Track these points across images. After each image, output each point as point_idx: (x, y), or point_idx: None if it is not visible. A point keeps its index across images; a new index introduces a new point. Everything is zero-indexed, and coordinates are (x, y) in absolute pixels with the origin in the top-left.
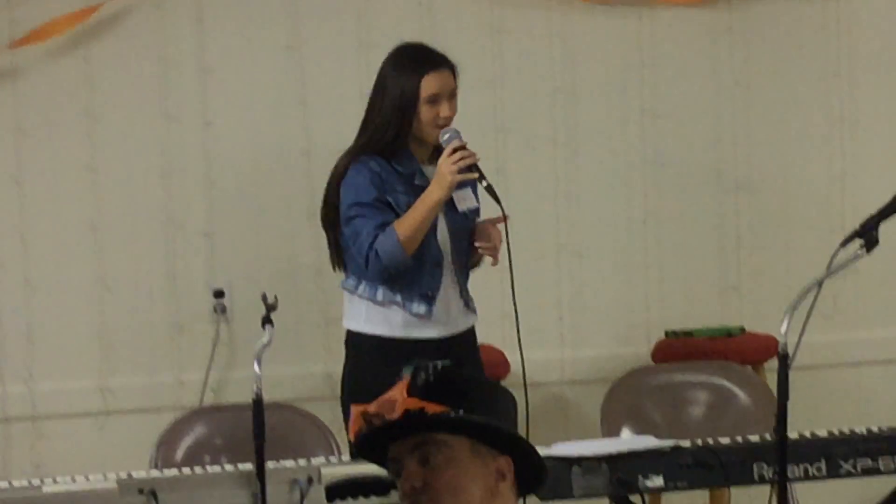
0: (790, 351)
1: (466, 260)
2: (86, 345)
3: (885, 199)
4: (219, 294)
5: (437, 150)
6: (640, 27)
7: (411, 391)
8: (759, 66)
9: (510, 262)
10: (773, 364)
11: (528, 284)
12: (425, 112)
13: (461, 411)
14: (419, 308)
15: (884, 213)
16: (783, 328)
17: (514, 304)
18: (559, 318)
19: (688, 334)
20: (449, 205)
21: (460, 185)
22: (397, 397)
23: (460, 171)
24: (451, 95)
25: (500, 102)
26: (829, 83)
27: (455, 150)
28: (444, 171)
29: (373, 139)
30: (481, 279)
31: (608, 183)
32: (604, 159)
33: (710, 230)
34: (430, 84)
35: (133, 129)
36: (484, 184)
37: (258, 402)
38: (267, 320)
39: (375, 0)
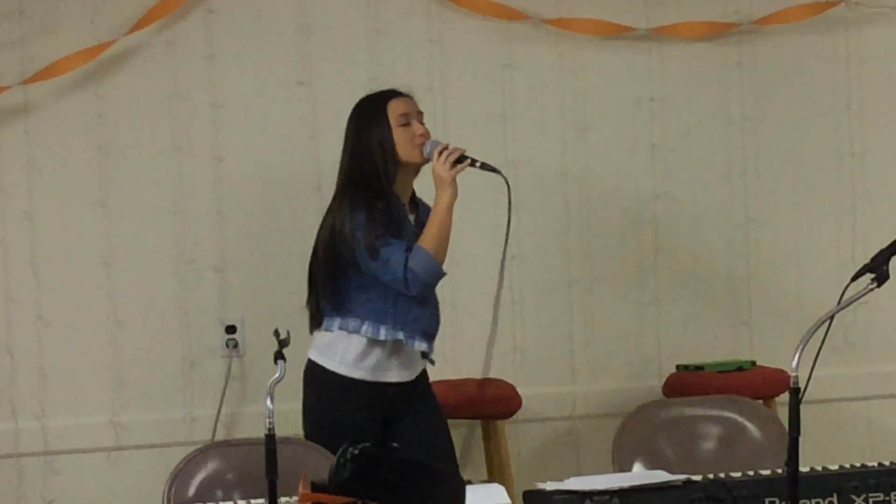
0: (801, 385)
1: None
2: (98, 380)
3: (894, 234)
4: (230, 329)
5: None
6: (649, 61)
7: (315, 486)
8: (768, 99)
9: (504, 255)
10: (784, 398)
11: (539, 319)
12: (400, 135)
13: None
14: (421, 345)
15: (894, 248)
16: (794, 362)
17: (498, 299)
18: (570, 352)
19: (699, 368)
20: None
21: None
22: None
23: (453, 166)
24: (420, 116)
25: (511, 137)
26: (839, 116)
27: (440, 153)
28: (441, 173)
29: (361, 184)
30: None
31: (618, 217)
32: (614, 193)
33: (721, 264)
34: (395, 107)
35: (145, 165)
36: (478, 164)
37: (271, 438)
38: (279, 356)
39: (386, 36)
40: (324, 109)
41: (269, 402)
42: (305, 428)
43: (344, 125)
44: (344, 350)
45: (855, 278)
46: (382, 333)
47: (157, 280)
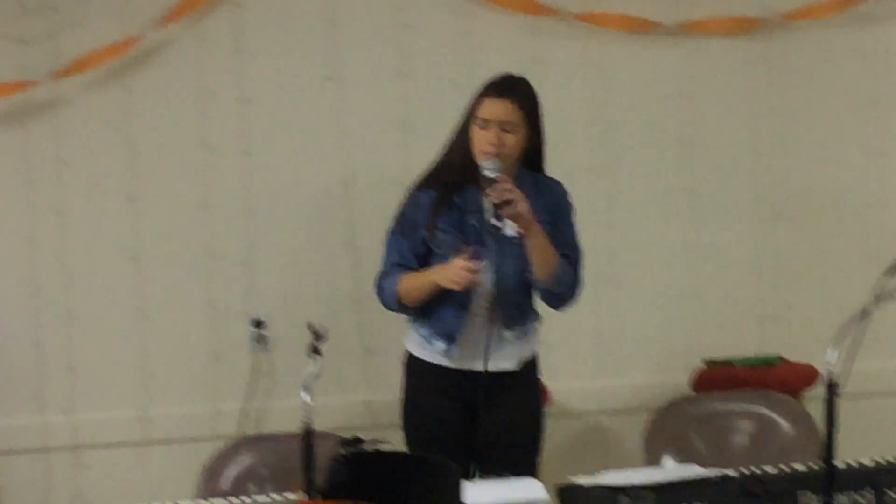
0: (837, 380)
1: (519, 307)
2: (126, 375)
3: None
4: (258, 324)
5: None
6: (676, 57)
7: (310, 491)
8: (795, 95)
9: None
10: (812, 393)
11: (567, 314)
12: (475, 133)
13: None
14: (440, 345)
15: None
16: (832, 357)
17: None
18: (597, 347)
19: (727, 363)
20: (496, 253)
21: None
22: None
23: (500, 205)
24: (505, 127)
25: None
26: (866, 112)
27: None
28: (450, 277)
29: (436, 168)
30: None
31: (646, 212)
32: (641, 189)
33: (748, 259)
34: (484, 108)
35: (173, 160)
36: (495, 222)
37: (308, 432)
38: (315, 350)
39: (414, 30)
40: (351, 104)
41: (306, 396)
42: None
43: (371, 120)
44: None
45: (889, 273)
46: (415, 327)
47: (184, 275)
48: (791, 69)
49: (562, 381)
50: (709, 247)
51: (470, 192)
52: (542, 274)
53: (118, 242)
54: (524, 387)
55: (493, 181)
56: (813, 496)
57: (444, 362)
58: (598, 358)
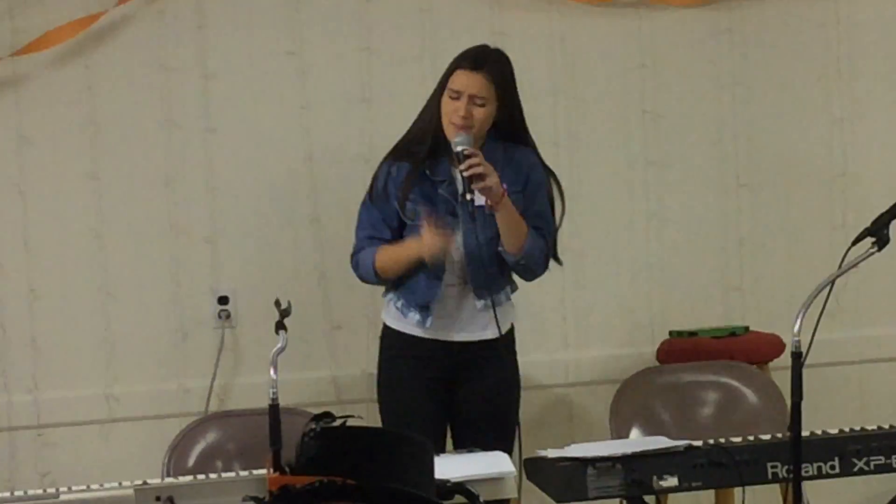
0: (803, 349)
1: (491, 278)
2: (90, 353)
3: (883, 198)
4: (223, 300)
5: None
6: (640, 28)
7: (277, 466)
8: (759, 65)
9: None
10: (777, 363)
11: (532, 286)
12: (445, 104)
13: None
14: (415, 316)
15: (894, 212)
16: (796, 327)
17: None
18: (563, 319)
19: (692, 334)
20: (468, 224)
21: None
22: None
23: (471, 179)
24: (475, 100)
25: None
26: (829, 82)
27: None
28: (427, 245)
29: (408, 139)
30: None
31: (610, 184)
32: (605, 160)
33: (713, 230)
34: (458, 79)
35: (135, 137)
36: (467, 197)
37: (275, 408)
38: (280, 325)
39: (376, 4)
40: (314, 79)
41: (273, 372)
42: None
43: (334, 95)
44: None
45: (856, 242)
46: (387, 294)
47: (148, 252)
48: (755, 40)
49: (527, 355)
50: (674, 218)
51: (441, 164)
52: (512, 247)
53: (81, 220)
54: (502, 358)
55: (463, 156)
56: (780, 466)
57: (420, 333)
58: (564, 330)
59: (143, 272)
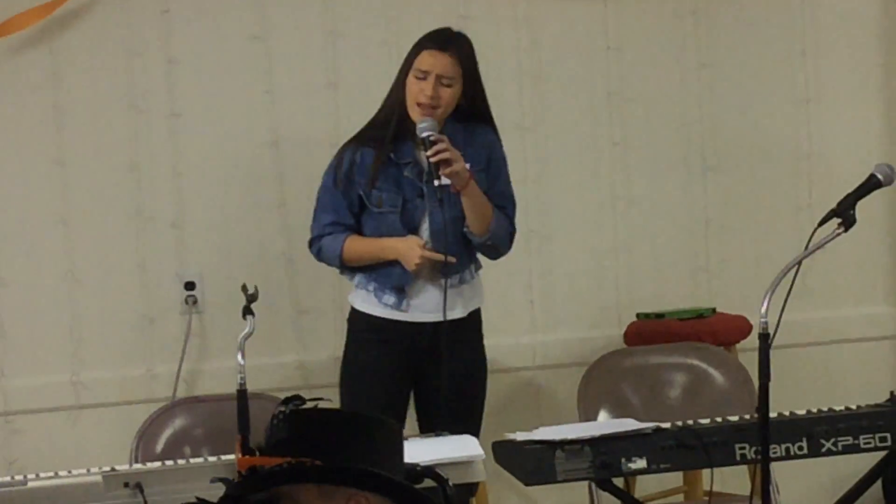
0: (770, 331)
1: (459, 255)
2: (57, 339)
3: (849, 179)
4: (189, 286)
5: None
6: (605, 11)
7: (245, 448)
8: (724, 47)
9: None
10: (744, 344)
11: (498, 269)
12: (411, 84)
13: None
14: (389, 299)
15: (860, 192)
16: (763, 308)
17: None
18: (530, 302)
19: (659, 316)
20: (434, 204)
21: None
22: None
23: (437, 165)
24: (442, 80)
25: None
26: (794, 63)
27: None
28: (410, 260)
29: (373, 124)
30: None
31: (576, 167)
32: (571, 143)
33: (679, 212)
34: (425, 59)
35: (100, 122)
36: (436, 183)
37: (242, 393)
38: (248, 311)
39: None
40: (279, 64)
41: (240, 357)
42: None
43: (300, 79)
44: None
45: (822, 223)
46: (356, 280)
47: (114, 237)
48: (720, 22)
49: (494, 338)
50: (640, 200)
51: (405, 146)
52: (478, 229)
53: (47, 206)
54: (470, 340)
55: (430, 142)
56: (748, 447)
57: (395, 315)
58: (531, 313)
59: (110, 258)
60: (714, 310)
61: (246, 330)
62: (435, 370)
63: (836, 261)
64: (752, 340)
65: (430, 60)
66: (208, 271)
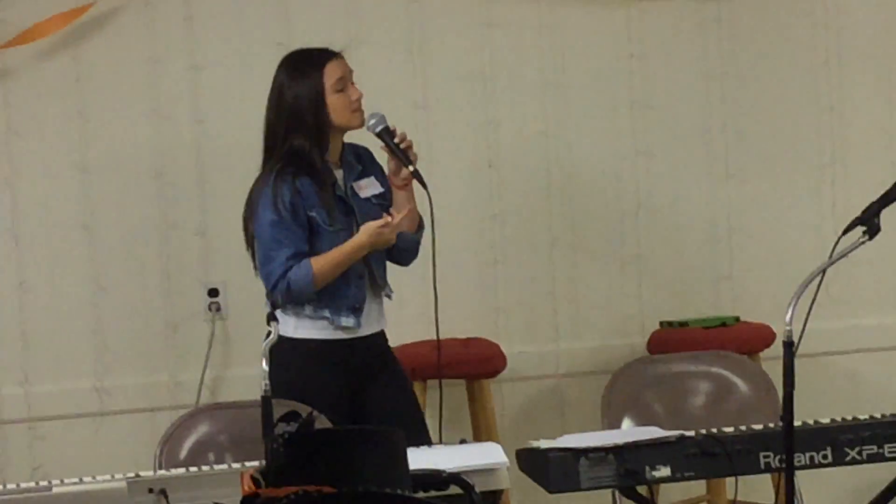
0: (794, 339)
1: (384, 266)
2: (81, 346)
3: (873, 187)
4: (213, 292)
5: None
6: (628, 19)
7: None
8: (748, 55)
9: (433, 246)
10: (768, 353)
11: (522, 278)
12: (336, 100)
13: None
14: (347, 321)
15: (885, 200)
16: (788, 316)
17: (435, 288)
18: (553, 310)
19: (683, 324)
20: (365, 217)
21: (363, 174)
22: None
23: (393, 153)
24: (351, 76)
25: (491, 96)
26: (818, 72)
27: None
28: (385, 235)
29: (289, 156)
30: (473, 273)
31: (599, 175)
32: (594, 151)
33: (703, 220)
34: (332, 71)
35: (125, 129)
36: (411, 168)
37: (267, 400)
38: (272, 317)
39: None
40: None
41: (264, 363)
42: None
43: None
44: (294, 320)
45: (846, 231)
46: (307, 311)
47: (139, 244)
48: (743, 29)
49: (518, 346)
50: (663, 208)
51: (324, 168)
52: (412, 224)
53: (71, 213)
54: (391, 350)
55: (389, 131)
56: (772, 455)
57: (352, 335)
58: (555, 322)
59: (134, 264)
60: (738, 318)
61: (271, 337)
62: (376, 385)
63: (860, 269)
64: (776, 349)
65: (340, 67)
66: (232, 278)
